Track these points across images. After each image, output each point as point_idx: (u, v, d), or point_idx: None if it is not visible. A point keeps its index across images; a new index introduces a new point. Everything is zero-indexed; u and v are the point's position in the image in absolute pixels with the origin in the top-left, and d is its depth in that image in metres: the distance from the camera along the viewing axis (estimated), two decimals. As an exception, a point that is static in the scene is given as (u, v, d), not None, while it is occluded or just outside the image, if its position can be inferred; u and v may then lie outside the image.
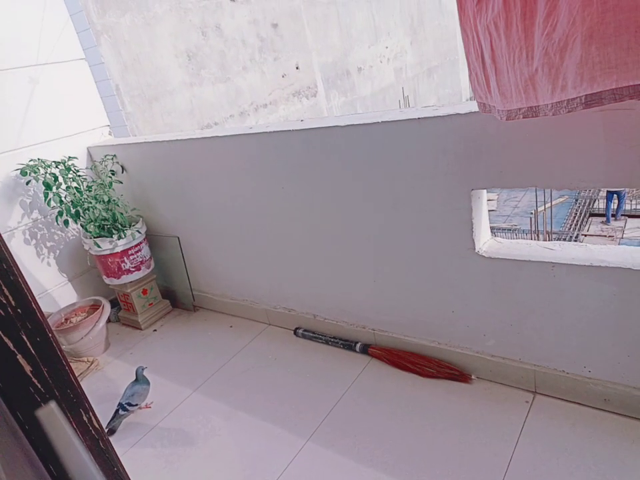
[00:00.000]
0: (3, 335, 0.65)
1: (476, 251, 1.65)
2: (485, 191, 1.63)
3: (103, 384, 2.31)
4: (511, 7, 0.92)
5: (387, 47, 8.78)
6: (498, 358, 1.78)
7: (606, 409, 1.57)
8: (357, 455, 1.64)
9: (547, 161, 1.37)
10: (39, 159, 2.36)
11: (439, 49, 10.20)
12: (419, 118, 1.52)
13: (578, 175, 1.34)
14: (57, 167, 2.39)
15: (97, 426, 0.72)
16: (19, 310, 0.67)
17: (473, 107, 1.43)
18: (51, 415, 0.46)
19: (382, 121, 1.60)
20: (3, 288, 0.65)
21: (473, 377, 1.84)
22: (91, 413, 0.72)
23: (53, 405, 0.51)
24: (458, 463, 1.53)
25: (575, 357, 1.60)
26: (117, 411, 1.95)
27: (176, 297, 2.87)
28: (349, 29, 7.92)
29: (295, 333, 2.34)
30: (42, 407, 0.50)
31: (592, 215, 7.89)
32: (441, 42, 10.24)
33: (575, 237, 7.52)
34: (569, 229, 7.42)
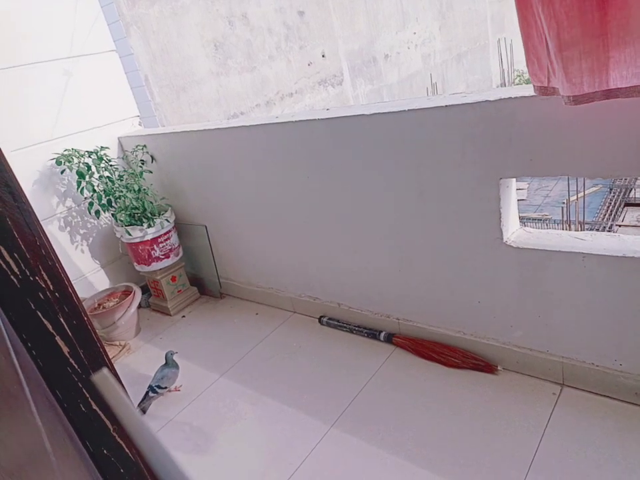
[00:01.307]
0: (42, 317, 0.69)
1: (504, 240, 1.62)
2: (513, 179, 1.60)
3: (133, 367, 2.39)
4: None
5: (414, 33, 8.60)
6: (525, 349, 1.75)
7: (637, 403, 1.54)
8: (380, 441, 1.65)
9: (579, 149, 1.33)
10: (72, 149, 2.44)
11: (468, 34, 9.93)
12: (446, 105, 1.50)
13: (611, 163, 1.30)
14: (89, 156, 2.46)
15: (129, 405, 0.75)
16: (57, 294, 0.70)
17: (503, 93, 1.41)
18: (105, 379, 0.51)
19: (409, 109, 1.58)
20: (42, 272, 0.69)
21: (499, 368, 1.82)
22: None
23: (105, 370, 0.56)
24: (482, 452, 1.53)
25: (605, 350, 1.57)
26: (147, 392, 2.02)
27: (203, 284, 2.94)
28: (376, 15, 7.79)
29: (320, 321, 2.37)
30: (96, 372, 0.56)
31: (627, 204, 7.61)
32: (471, 26, 9.97)
33: (609, 228, 7.28)
34: (603, 219, 7.18)
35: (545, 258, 1.56)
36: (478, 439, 1.58)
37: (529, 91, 1.34)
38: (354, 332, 2.22)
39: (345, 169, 1.91)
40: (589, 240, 1.51)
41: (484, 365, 1.84)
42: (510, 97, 1.37)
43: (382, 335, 2.12)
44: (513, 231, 1.66)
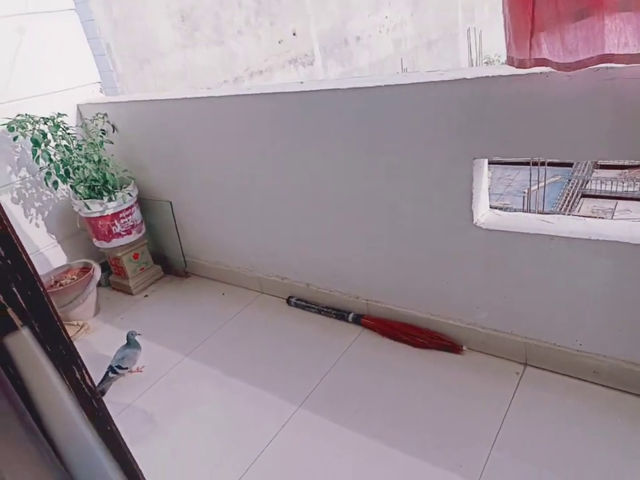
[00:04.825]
0: (-8, 287, 0.62)
1: (474, 222, 1.63)
2: (486, 160, 1.60)
3: (92, 347, 2.30)
4: None
5: (386, 17, 8.54)
6: (489, 330, 1.79)
7: (595, 382, 1.60)
8: (348, 422, 1.65)
9: (553, 131, 1.34)
10: (26, 115, 2.27)
11: (439, 22, 9.96)
12: (423, 82, 1.48)
13: (583, 146, 1.32)
14: (45, 123, 2.31)
15: (90, 384, 0.70)
16: (8, 261, 0.64)
17: (480, 72, 1.40)
18: (23, 343, 0.39)
19: (385, 85, 1.55)
20: (-8, 238, 0.62)
21: (464, 348, 1.85)
22: (84, 370, 0.70)
23: (25, 332, 0.44)
24: (447, 431, 1.55)
25: (566, 330, 1.62)
26: (106, 373, 1.95)
27: (168, 263, 2.84)
28: (349, -5, 7.67)
29: (288, 302, 2.34)
30: (12, 333, 0.43)
31: (584, 195, 7.91)
32: (442, 14, 9.99)
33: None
34: (561, 208, 7.44)
35: (513, 240, 1.58)
36: (444, 417, 1.60)
37: (505, 70, 1.33)
38: (322, 313, 2.21)
39: (316, 145, 1.86)
40: (557, 223, 1.54)
41: (450, 345, 1.87)
42: (487, 76, 1.36)
43: (350, 316, 2.12)
44: (483, 213, 1.68)
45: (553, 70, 1.25)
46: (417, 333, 1.94)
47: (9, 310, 0.65)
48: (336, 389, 1.80)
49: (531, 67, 1.21)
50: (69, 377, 0.67)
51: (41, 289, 0.68)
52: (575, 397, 1.56)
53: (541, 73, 1.29)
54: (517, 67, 1.24)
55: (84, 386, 0.70)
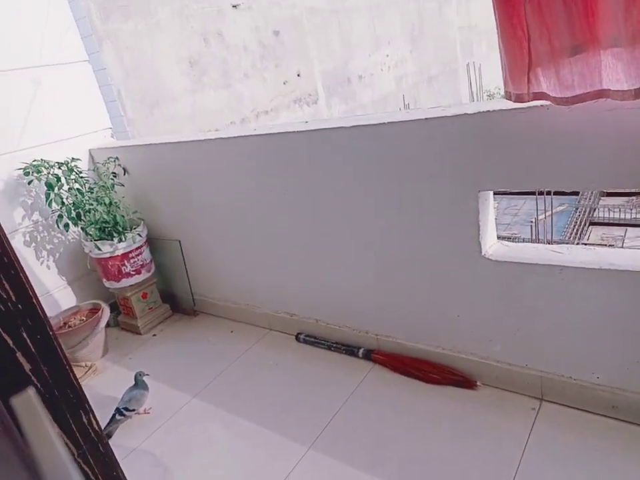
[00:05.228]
0: (2, 332, 0.63)
1: (482, 254, 1.63)
2: (491, 192, 1.61)
3: (100, 389, 2.27)
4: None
5: (387, 55, 8.81)
6: (504, 364, 1.75)
7: (614, 417, 1.54)
8: (360, 463, 1.60)
9: (557, 162, 1.35)
10: (42, 160, 2.35)
11: (438, 58, 10.25)
12: (426, 118, 1.51)
13: (588, 175, 1.33)
14: (59, 167, 2.37)
15: (96, 428, 0.69)
16: (19, 306, 0.65)
17: (481, 107, 1.42)
18: (29, 403, 0.37)
19: (389, 122, 1.58)
20: (4, 282, 0.63)
21: (478, 383, 1.80)
22: (91, 415, 0.69)
23: (31, 391, 0.44)
24: (463, 472, 1.50)
25: (582, 363, 1.58)
26: (113, 415, 1.92)
27: (176, 301, 2.84)
28: (350, 36, 7.95)
29: (297, 338, 2.31)
30: (18, 393, 0.42)
31: (592, 223, 7.87)
32: (441, 50, 10.30)
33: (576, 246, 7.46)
34: (570, 237, 7.39)
35: (523, 271, 1.57)
36: (459, 457, 1.55)
37: (506, 104, 1.36)
38: (332, 349, 2.18)
39: (324, 182, 1.89)
40: (566, 253, 1.53)
41: (463, 381, 1.82)
42: (488, 110, 1.38)
43: (360, 351, 2.08)
44: (491, 244, 1.67)
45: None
46: (429, 368, 1.90)
47: (18, 354, 0.65)
48: (347, 428, 1.75)
49: (529, 101, 1.23)
50: (76, 421, 0.67)
51: (50, 334, 0.69)
52: (594, 433, 1.51)
53: (541, 105, 1.31)
54: (514, 102, 1.26)
55: (90, 430, 0.69)
